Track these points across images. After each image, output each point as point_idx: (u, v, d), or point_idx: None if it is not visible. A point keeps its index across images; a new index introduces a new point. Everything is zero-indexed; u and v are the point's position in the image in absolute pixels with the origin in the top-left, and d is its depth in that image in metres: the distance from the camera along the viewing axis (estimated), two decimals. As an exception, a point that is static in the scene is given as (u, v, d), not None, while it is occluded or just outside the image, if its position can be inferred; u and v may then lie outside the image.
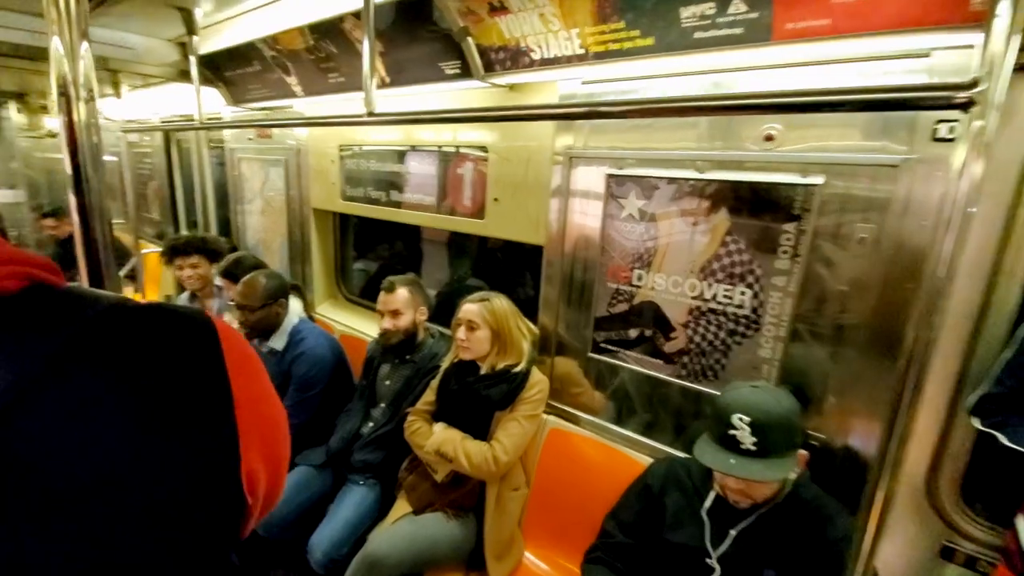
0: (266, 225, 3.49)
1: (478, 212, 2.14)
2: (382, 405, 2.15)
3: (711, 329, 1.56)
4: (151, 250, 4.30)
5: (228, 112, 3.23)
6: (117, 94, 3.33)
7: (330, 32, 2.07)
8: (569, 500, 1.82)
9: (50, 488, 0.39)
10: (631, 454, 1.74)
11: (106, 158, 3.95)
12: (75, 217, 0.75)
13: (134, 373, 0.45)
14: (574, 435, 1.88)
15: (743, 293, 1.48)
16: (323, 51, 2.20)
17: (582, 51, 1.54)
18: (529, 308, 2.00)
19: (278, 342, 2.24)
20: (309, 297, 3.10)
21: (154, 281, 4.61)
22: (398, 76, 2.06)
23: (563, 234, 1.86)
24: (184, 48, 2.81)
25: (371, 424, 2.14)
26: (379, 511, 1.98)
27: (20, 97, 4.83)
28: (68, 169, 0.73)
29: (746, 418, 1.20)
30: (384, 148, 2.50)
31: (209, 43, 2.64)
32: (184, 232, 4.56)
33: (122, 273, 4.41)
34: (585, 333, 1.87)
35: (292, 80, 2.54)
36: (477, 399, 1.76)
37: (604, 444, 1.81)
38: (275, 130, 3.18)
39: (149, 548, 0.44)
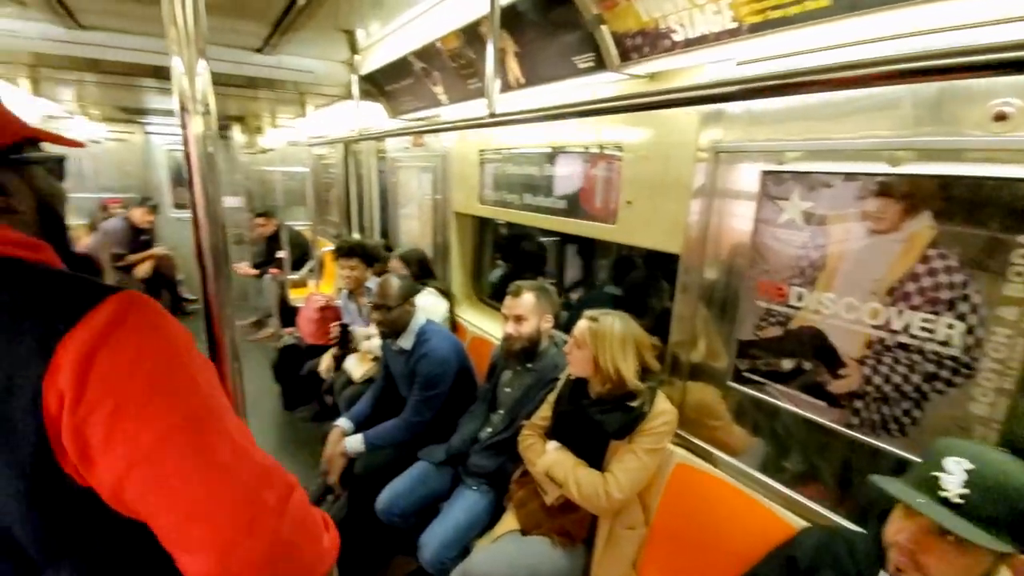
0: (417, 228, 3.73)
1: (609, 216, 1.98)
2: (501, 412, 2.11)
3: (899, 369, 1.20)
4: (329, 248, 4.91)
5: (391, 125, 3.53)
6: (303, 113, 3.85)
7: (469, 38, 2.10)
8: (695, 549, 1.56)
9: None
10: (776, 510, 1.43)
11: (297, 169, 4.64)
12: (192, 219, 0.80)
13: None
14: (706, 475, 1.62)
15: (951, 326, 1.10)
16: (464, 58, 2.24)
17: (735, 25, 1.30)
18: (668, 321, 1.78)
19: (407, 341, 2.34)
20: (448, 298, 3.23)
21: (331, 275, 5.27)
22: (532, 75, 2.01)
23: (704, 241, 1.61)
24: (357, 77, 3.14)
25: (489, 430, 2.11)
26: (489, 519, 1.94)
27: (241, 120, 5.93)
28: (185, 173, 0.78)
29: (967, 464, 0.88)
30: (518, 151, 2.47)
31: (371, 61, 2.90)
32: (355, 235, 5.15)
33: (306, 268, 5.12)
34: (726, 358, 1.60)
35: (438, 89, 2.66)
36: (590, 424, 1.60)
37: (742, 491, 1.52)
38: (428, 138, 3.38)
39: None
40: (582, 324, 1.67)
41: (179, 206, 6.27)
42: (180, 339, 0.63)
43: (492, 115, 1.44)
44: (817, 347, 1.36)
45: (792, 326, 1.41)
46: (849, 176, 1.25)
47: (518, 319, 2.00)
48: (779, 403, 1.47)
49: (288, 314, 4.52)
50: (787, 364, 1.44)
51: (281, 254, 4.94)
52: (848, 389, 1.30)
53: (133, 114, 5.49)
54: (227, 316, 0.88)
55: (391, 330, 2.35)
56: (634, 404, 1.54)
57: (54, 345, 0.53)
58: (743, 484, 1.54)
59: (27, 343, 0.53)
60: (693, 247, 1.64)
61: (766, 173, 1.44)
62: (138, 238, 5.11)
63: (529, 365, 2.06)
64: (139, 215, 5.07)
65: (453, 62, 2.31)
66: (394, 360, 2.47)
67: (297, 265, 5.12)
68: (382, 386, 2.59)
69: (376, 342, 2.84)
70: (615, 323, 1.62)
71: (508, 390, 2.11)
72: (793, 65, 1.31)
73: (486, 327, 2.91)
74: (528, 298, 1.99)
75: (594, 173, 2.03)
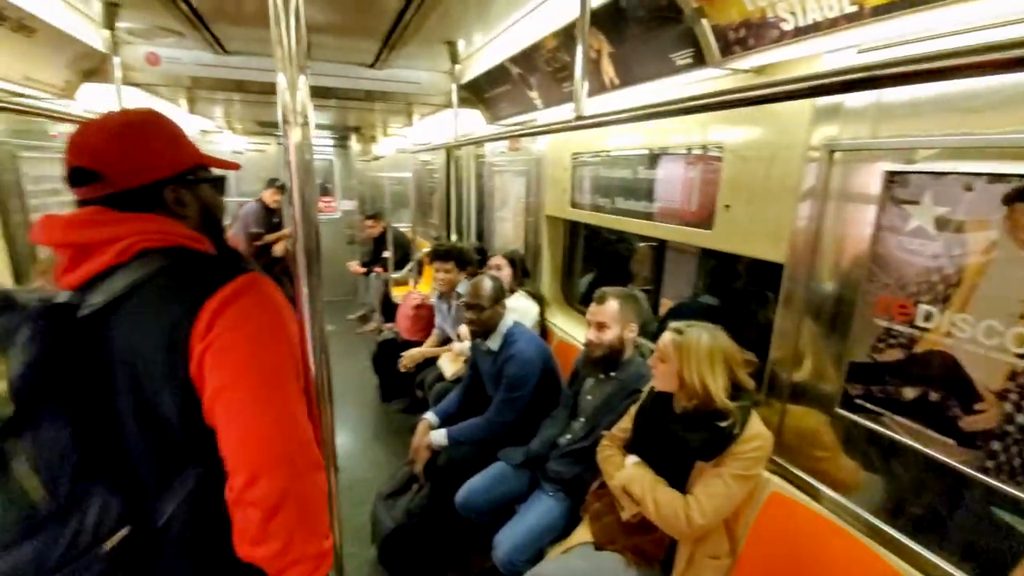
0: (510, 231, 3.80)
1: (705, 221, 1.87)
2: (581, 419, 2.07)
3: (1057, 409, 0.99)
4: (428, 250, 5.17)
5: (489, 131, 3.63)
6: (410, 122, 4.08)
7: (564, 41, 2.09)
8: (789, 591, 1.42)
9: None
10: (887, 558, 1.24)
11: (403, 175, 4.95)
12: (291, 219, 0.87)
13: (162, 305, 0.80)
14: (804, 508, 1.46)
15: None
16: (558, 61, 2.24)
17: (854, 8, 1.16)
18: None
19: (494, 342, 2.38)
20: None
21: (429, 275, 5.52)
22: (627, 75, 1.95)
23: (812, 249, 1.46)
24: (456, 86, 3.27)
25: (569, 436, 2.08)
26: (564, 527, 1.90)
27: (357, 130, 6.43)
28: (287, 180, 0.85)
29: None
30: (610, 154, 2.42)
31: (471, 70, 3.00)
32: (453, 237, 5.36)
33: (407, 268, 5.43)
34: (834, 381, 1.43)
35: (534, 94, 2.68)
36: (673, 441, 1.51)
37: (848, 532, 1.35)
38: (524, 142, 3.43)
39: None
40: (666, 336, 1.58)
41: (304, 209, 6.93)
42: (280, 314, 0.87)
43: (579, 117, 1.42)
44: (947, 376, 1.16)
45: (917, 350, 1.23)
46: (995, 177, 1.06)
47: (600, 326, 1.96)
48: (897, 437, 1.28)
49: (390, 310, 4.82)
50: (909, 393, 1.25)
51: (386, 254, 5.28)
52: (984, 427, 1.10)
53: (269, 127, 6.18)
54: (317, 310, 0.95)
55: (482, 330, 2.40)
56: (723, 424, 1.43)
57: (199, 306, 0.78)
58: (848, 524, 1.36)
59: (185, 303, 0.79)
60: (799, 256, 1.49)
61: (891, 174, 1.27)
62: (271, 219, 5.56)
63: (612, 374, 2.00)
64: (268, 196, 5.50)
65: (548, 66, 2.32)
66: (482, 360, 2.52)
67: (400, 265, 5.44)
68: (468, 384, 2.67)
69: (467, 345, 2.94)
70: (702, 336, 1.52)
71: (589, 398, 2.06)
72: (926, 50, 1.15)
73: (574, 332, 2.88)
74: (612, 305, 1.94)
75: (690, 175, 1.93)
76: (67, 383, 0.77)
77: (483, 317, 2.36)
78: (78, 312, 0.79)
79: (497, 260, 3.15)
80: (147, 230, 0.83)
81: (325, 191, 7.24)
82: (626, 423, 1.79)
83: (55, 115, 2.38)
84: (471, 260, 3.45)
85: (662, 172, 2.08)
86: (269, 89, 3.22)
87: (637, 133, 2.21)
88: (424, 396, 3.21)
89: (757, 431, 1.44)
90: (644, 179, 2.18)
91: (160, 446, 0.80)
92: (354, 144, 6.75)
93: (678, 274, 3.53)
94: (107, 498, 0.77)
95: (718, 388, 1.47)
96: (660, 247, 3.44)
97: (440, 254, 3.31)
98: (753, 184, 1.66)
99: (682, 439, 1.49)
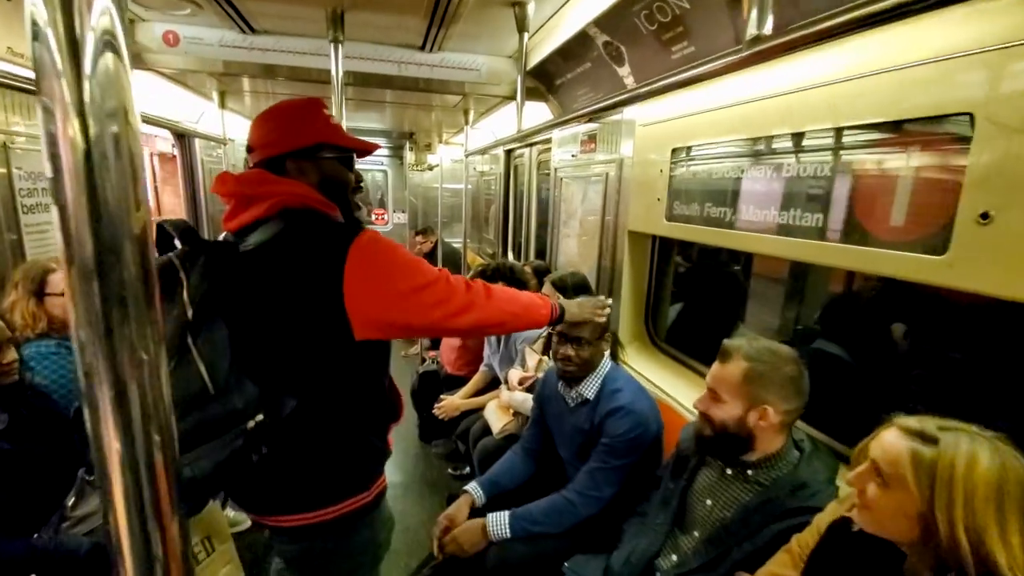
0: (579, 249, 3.15)
1: (931, 240, 1.13)
2: (695, 534, 1.37)
3: None
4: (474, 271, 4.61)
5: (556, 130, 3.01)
6: (467, 121, 3.55)
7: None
8: None
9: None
10: None
11: (457, 186, 4.44)
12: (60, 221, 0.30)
13: (298, 255, 1.07)
14: None
15: None
16: (666, 12, 1.59)
17: None
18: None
19: (590, 389, 1.76)
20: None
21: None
22: (792, 13, 1.27)
23: None
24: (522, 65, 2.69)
25: (674, 558, 1.38)
26: None
27: (411, 137, 6.02)
28: (49, 172, 0.29)
29: None
30: (739, 143, 1.70)
31: (541, 48, 2.41)
32: (509, 254, 4.77)
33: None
34: None
35: (624, 71, 2.05)
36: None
37: None
38: (599, 142, 2.79)
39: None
40: (893, 440, 0.87)
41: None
42: (391, 242, 1.15)
43: (756, 39, 0.76)
44: None
45: None
46: None
47: (712, 396, 1.29)
48: None
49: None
50: None
51: (436, 271, 4.75)
52: None
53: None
54: (129, 333, 0.37)
55: (581, 374, 1.77)
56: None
57: (346, 251, 1.05)
58: None
59: (336, 250, 1.06)
60: None
61: None
62: None
63: (749, 472, 1.29)
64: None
65: (650, 22, 1.68)
66: (562, 416, 1.88)
67: (451, 283, 4.91)
68: (533, 449, 2.02)
69: (521, 396, 2.30)
70: (980, 454, 0.79)
71: (710, 503, 1.36)
72: None
73: (661, 382, 2.17)
74: (733, 369, 1.26)
75: (894, 165, 1.20)
76: (229, 300, 1.01)
77: (585, 355, 1.73)
78: (239, 248, 1.07)
79: (547, 289, 2.50)
80: (292, 192, 1.12)
81: (379, 203, 6.94)
82: (785, 568, 1.08)
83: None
84: (526, 281, 2.84)
85: (838, 160, 1.35)
86: (325, 77, 2.76)
87: (791, 107, 1.48)
88: (468, 450, 2.59)
89: None
90: (803, 177, 1.45)
91: (292, 356, 1.08)
92: (408, 154, 6.38)
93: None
94: (251, 389, 1.00)
95: (1014, 558, 0.75)
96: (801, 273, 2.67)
97: (487, 275, 2.73)
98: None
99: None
